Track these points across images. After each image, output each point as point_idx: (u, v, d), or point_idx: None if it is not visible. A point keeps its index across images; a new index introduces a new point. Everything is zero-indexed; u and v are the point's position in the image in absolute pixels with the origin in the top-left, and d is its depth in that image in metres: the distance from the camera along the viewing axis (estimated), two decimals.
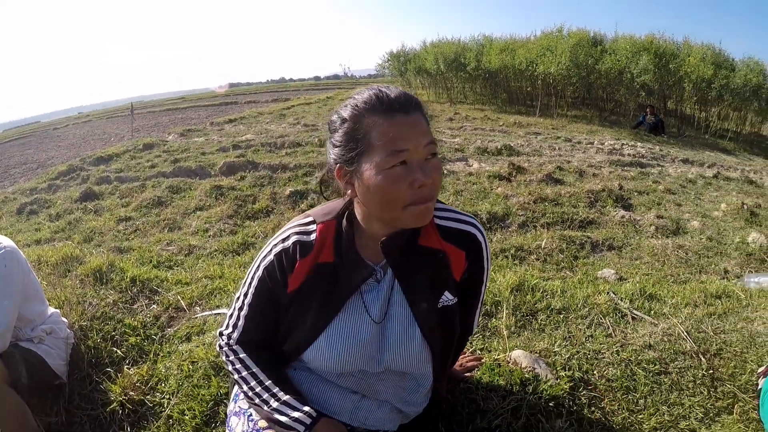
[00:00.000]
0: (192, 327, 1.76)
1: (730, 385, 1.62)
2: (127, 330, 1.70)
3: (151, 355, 1.58)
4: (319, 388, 0.97)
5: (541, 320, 1.89)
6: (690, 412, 1.46)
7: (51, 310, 1.49)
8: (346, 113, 0.84)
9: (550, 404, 1.34)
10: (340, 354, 0.90)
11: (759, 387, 1.58)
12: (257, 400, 0.91)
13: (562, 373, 1.48)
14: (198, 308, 1.95)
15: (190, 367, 1.47)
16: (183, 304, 1.94)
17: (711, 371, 1.65)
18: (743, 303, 2.43)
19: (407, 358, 0.93)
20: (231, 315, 0.98)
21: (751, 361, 1.80)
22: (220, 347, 0.99)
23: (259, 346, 0.98)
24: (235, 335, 0.97)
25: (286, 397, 0.90)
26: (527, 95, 14.04)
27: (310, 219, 0.93)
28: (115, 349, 1.58)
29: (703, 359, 1.70)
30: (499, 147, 6.89)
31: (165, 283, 2.12)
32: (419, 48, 15.88)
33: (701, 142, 10.88)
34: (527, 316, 1.92)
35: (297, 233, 0.91)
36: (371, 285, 0.92)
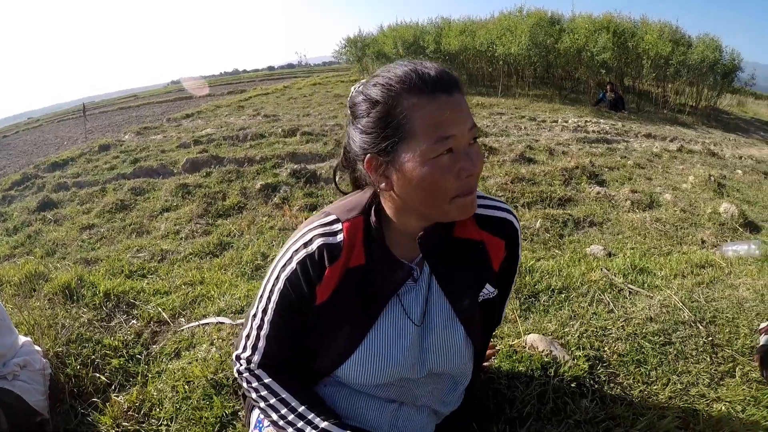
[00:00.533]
0: (180, 341, 1.63)
1: (729, 349, 1.67)
2: (108, 352, 1.55)
3: (139, 378, 1.44)
4: (354, 402, 0.88)
5: (543, 301, 1.89)
6: (698, 379, 1.49)
7: (22, 339, 1.33)
8: (377, 94, 0.72)
9: (572, 385, 1.34)
10: (381, 365, 0.82)
11: (760, 343, 1.63)
12: (290, 430, 0.81)
13: (578, 353, 1.48)
14: (183, 320, 1.82)
15: (186, 387, 1.35)
16: (165, 316, 1.80)
17: (710, 338, 1.70)
18: (726, 271, 2.52)
19: (451, 359, 0.86)
20: (248, 336, 0.86)
21: (743, 325, 1.86)
22: (239, 373, 0.88)
23: (283, 368, 0.87)
24: (255, 358, 0.86)
25: (324, 425, 0.80)
26: (487, 76, 14.06)
27: (333, 217, 0.81)
28: (97, 374, 1.43)
29: (701, 327, 1.74)
30: None
31: (142, 294, 1.97)
32: (377, 32, 15.67)
33: (660, 117, 11.19)
34: (530, 298, 1.92)
35: (321, 235, 0.79)
36: (409, 286, 0.83)
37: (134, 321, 1.76)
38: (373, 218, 0.80)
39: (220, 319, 1.75)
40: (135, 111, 12.89)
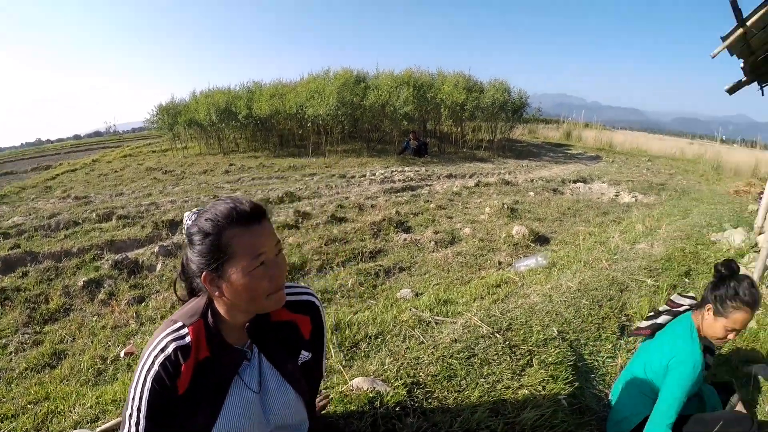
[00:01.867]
0: None
1: (525, 346, 2.09)
2: None
3: None
4: None
5: (363, 348, 2.17)
6: (502, 376, 1.86)
7: None
8: (207, 227, 0.96)
9: (396, 409, 1.61)
10: (237, 429, 1.03)
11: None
12: None
13: (397, 384, 1.77)
14: None
15: None
16: None
17: (507, 342, 2.10)
18: (519, 284, 3.12)
19: (288, 413, 1.12)
20: None
21: (535, 324, 2.30)
22: None
23: None
24: None
25: None
26: (297, 137, 14.41)
27: (180, 324, 1.01)
28: None
29: (498, 336, 2.16)
30: (280, 195, 7.08)
31: None
32: (189, 99, 15.05)
33: (460, 156, 12.82)
34: (351, 348, 2.17)
35: (173, 340, 0.99)
36: (245, 365, 1.08)
37: None
38: (210, 319, 1.03)
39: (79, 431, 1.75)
40: None
